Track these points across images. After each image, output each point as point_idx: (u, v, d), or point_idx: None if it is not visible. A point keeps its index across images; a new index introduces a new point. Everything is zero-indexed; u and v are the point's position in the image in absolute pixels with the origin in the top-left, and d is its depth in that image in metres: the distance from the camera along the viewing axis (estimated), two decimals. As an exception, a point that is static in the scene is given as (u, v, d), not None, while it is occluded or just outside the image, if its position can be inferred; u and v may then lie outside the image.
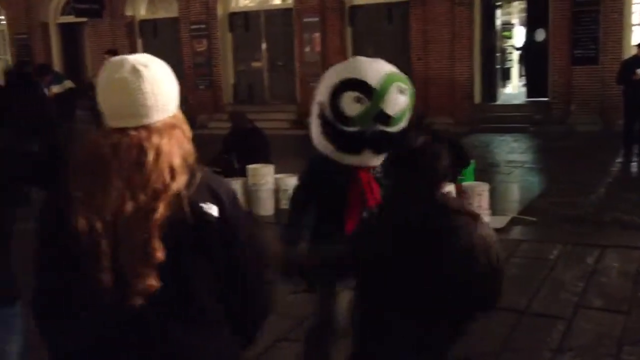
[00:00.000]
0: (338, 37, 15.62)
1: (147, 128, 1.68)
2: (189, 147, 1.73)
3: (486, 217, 6.91)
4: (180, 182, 1.66)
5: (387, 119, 2.89)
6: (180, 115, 1.78)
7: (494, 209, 7.21)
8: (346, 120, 2.88)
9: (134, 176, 1.62)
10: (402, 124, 2.94)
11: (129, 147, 1.65)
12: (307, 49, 15.99)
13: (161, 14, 18.06)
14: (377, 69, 2.93)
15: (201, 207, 1.68)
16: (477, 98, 14.92)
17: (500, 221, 6.95)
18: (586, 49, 13.43)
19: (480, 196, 6.97)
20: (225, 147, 8.61)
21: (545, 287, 5.15)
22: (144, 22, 18.20)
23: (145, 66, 1.71)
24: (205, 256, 1.71)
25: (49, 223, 1.70)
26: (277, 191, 7.68)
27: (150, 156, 1.64)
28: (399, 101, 2.91)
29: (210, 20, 16.93)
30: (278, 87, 16.83)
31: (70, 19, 18.64)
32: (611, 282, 5.19)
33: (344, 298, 3.09)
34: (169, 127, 1.71)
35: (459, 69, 14.63)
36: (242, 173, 7.85)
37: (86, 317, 1.66)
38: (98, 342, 1.67)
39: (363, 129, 2.87)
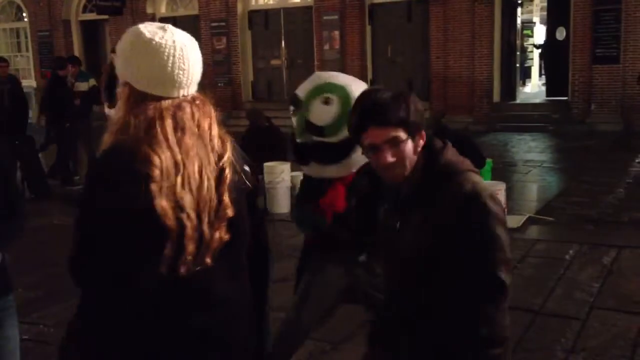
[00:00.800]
0: (358, 35, 15.62)
1: (192, 98, 1.77)
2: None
3: (502, 217, 6.92)
4: (228, 147, 1.78)
5: (318, 130, 2.88)
6: None
7: (511, 208, 7.19)
8: (294, 133, 3.00)
9: (202, 143, 1.72)
10: (343, 133, 2.71)
11: (192, 115, 1.73)
12: (327, 47, 16.01)
13: (181, 11, 18.20)
14: (309, 81, 3.02)
15: (245, 169, 1.85)
16: (496, 97, 14.85)
17: (517, 220, 6.93)
18: (607, 47, 13.31)
19: (497, 195, 6.94)
20: (243, 145, 8.65)
21: (560, 287, 5.13)
22: (164, 20, 18.31)
23: (188, 37, 1.80)
24: (249, 213, 1.88)
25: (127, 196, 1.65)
26: (293, 189, 7.71)
27: (206, 124, 1.74)
28: (325, 112, 2.87)
29: (230, 18, 17.01)
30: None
31: (92, 16, 18.85)
32: (627, 282, 5.16)
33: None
34: (202, 99, 1.80)
35: (478, 68, 14.56)
36: (259, 170, 7.89)
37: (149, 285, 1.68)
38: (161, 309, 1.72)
39: (304, 140, 2.93)
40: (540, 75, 19.62)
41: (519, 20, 15.90)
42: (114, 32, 18.38)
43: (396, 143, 1.90)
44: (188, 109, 1.73)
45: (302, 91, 2.99)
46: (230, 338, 1.81)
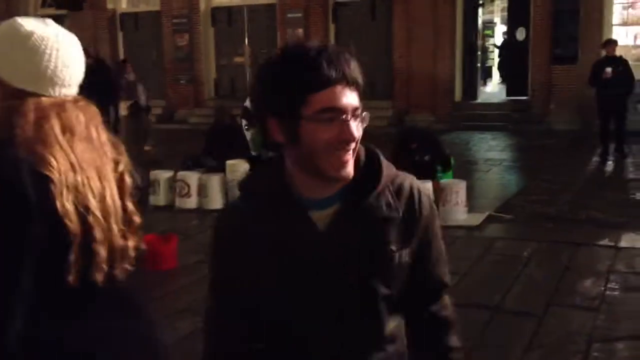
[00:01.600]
0: (321, 34, 15.60)
1: (74, 99, 1.63)
2: None
3: (463, 214, 6.98)
4: (123, 152, 1.69)
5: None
6: None
7: (471, 206, 7.26)
8: (248, 144, 2.90)
9: (94, 148, 1.61)
10: None
11: (76, 117, 1.60)
12: (290, 45, 15.95)
13: (143, 7, 17.96)
14: None
15: (132, 169, 1.73)
16: (458, 96, 15.00)
17: (477, 218, 7.00)
18: (566, 48, 13.53)
19: (457, 193, 7.01)
20: (206, 142, 8.61)
21: (518, 284, 5.19)
22: (125, 15, 18.08)
23: (70, 34, 1.65)
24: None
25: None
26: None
27: (94, 128, 1.62)
28: None
29: (193, 15, 16.84)
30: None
31: (51, 11, 18.45)
32: (583, 280, 5.24)
33: None
34: (85, 101, 1.66)
35: (440, 67, 14.68)
36: (221, 168, 7.83)
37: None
38: None
39: (259, 154, 2.86)
40: (500, 75, 19.87)
41: (480, 21, 16.09)
42: (74, 28, 17.89)
43: (357, 116, 1.40)
44: (72, 111, 1.58)
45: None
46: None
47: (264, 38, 16.56)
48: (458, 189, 7.06)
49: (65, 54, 1.61)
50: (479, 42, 16.22)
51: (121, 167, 1.65)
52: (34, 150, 1.48)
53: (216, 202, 7.76)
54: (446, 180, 7.30)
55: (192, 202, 7.85)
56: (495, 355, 4.03)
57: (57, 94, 1.60)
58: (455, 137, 12.82)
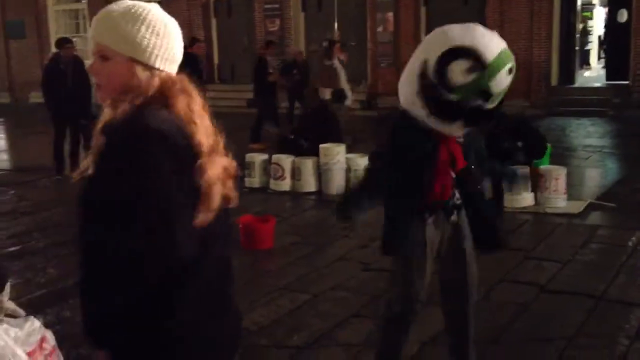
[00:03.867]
0: (412, 17, 15.43)
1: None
2: None
3: (562, 202, 6.78)
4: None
5: (489, 96, 2.79)
6: None
7: (571, 194, 7.04)
8: (450, 87, 2.77)
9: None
10: (496, 103, 2.86)
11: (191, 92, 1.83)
12: (380, 29, 15.86)
13: (236, -7, 18.25)
14: (495, 44, 2.80)
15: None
16: (554, 80, 14.51)
17: (577, 206, 6.79)
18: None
19: (557, 180, 6.82)
20: (301, 125, 8.74)
21: (623, 273, 5.00)
22: (218, 2, 18.43)
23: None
24: None
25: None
26: (348, 170, 7.72)
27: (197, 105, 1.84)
28: (505, 82, 2.80)
29: (284, 1, 17.00)
30: (349, 67, 16.76)
31: (147, -2, 19.09)
32: (694, 271, 5.00)
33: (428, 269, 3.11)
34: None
35: (536, 51, 14.24)
36: (314, 152, 7.92)
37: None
38: None
39: (464, 100, 2.78)
40: (599, 58, 19.08)
41: (578, 2, 15.46)
42: (169, 13, 18.54)
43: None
44: (188, 87, 1.80)
45: (489, 54, 2.75)
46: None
47: (354, 23, 16.52)
48: (558, 175, 6.85)
49: (178, 35, 1.84)
50: (577, 25, 15.58)
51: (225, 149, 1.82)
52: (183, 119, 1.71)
53: (309, 185, 7.86)
54: (546, 167, 7.10)
55: (285, 185, 7.98)
56: (600, 344, 3.91)
57: (174, 71, 1.82)
58: (550, 123, 12.42)
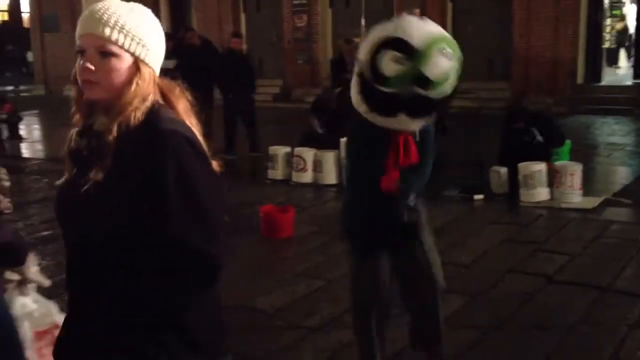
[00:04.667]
0: (438, 13, 15.47)
1: None
2: None
3: (578, 197, 6.88)
4: None
5: (426, 83, 2.73)
6: None
7: (587, 190, 7.13)
8: (384, 80, 2.75)
9: None
10: (444, 90, 2.77)
11: None
12: (407, 25, 15.93)
13: (265, -11, 18.51)
14: (422, 29, 2.76)
15: None
16: (580, 78, 14.48)
17: (592, 202, 6.89)
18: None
19: (572, 176, 6.92)
20: (321, 120, 8.94)
21: (631, 267, 5.12)
22: (247, -3, 18.72)
23: None
24: None
25: None
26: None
27: None
28: (442, 65, 2.73)
29: (312, -4, 17.21)
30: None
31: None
32: (702, 266, 5.10)
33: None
34: None
35: (562, 48, 14.23)
36: (334, 146, 8.11)
37: None
38: None
39: (400, 91, 2.75)
40: (629, 57, 18.91)
41: (606, 0, 15.39)
42: (200, 8, 18.88)
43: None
44: (182, 89, 1.84)
45: (415, 40, 2.72)
46: None
47: (381, 19, 16.45)
48: (573, 171, 6.96)
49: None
50: (605, 22, 15.50)
51: None
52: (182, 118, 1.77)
53: (330, 177, 8.06)
54: (561, 163, 7.21)
55: (307, 177, 8.20)
56: (600, 331, 4.06)
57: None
58: (574, 121, 12.44)
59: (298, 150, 8.30)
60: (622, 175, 8.65)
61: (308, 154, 8.19)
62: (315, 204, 7.45)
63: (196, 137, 1.71)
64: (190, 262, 1.63)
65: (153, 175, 1.60)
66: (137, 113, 1.65)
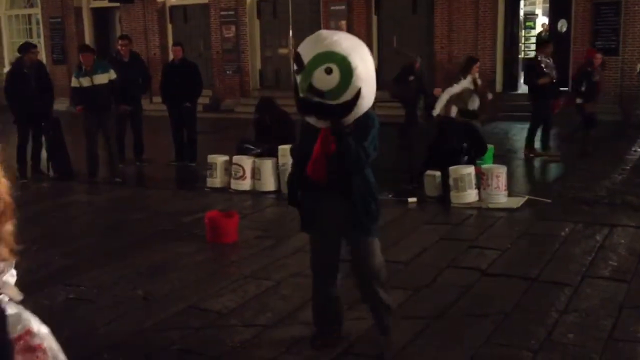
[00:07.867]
0: (364, 26, 15.97)
1: None
2: None
3: (503, 198, 7.36)
4: None
5: (319, 93, 3.35)
6: None
7: (511, 191, 7.62)
8: (295, 87, 3.45)
9: None
10: (345, 98, 3.38)
11: None
12: (333, 37, 16.32)
13: (191, 0, 18.52)
14: (311, 47, 3.40)
15: None
16: (499, 87, 15.24)
17: (517, 202, 7.37)
18: (607, 40, 13.70)
19: (498, 178, 7.38)
20: (257, 132, 9.11)
21: (556, 260, 5.57)
22: (174, 8, 18.69)
23: None
24: None
25: None
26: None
27: None
28: (323, 79, 3.32)
29: (239, 7, 17.37)
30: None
31: (103, 3, 19.18)
32: (617, 256, 5.59)
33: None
34: None
35: (481, 59, 14.87)
36: (272, 153, 8.32)
37: None
38: None
39: (306, 97, 3.39)
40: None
41: (521, 12, 16.26)
42: (125, 20, 18.75)
43: None
44: None
45: (305, 54, 3.38)
46: None
47: (308, 30, 16.87)
48: (499, 173, 7.43)
49: None
50: (520, 34, 16.37)
51: None
52: None
53: (269, 184, 8.26)
54: (487, 166, 7.68)
55: (246, 185, 8.36)
56: (533, 317, 4.43)
57: None
58: (494, 127, 13.08)
59: (237, 158, 8.46)
60: (541, 177, 9.24)
61: (247, 162, 8.36)
62: (255, 210, 7.63)
63: None
64: None
65: None
66: None
